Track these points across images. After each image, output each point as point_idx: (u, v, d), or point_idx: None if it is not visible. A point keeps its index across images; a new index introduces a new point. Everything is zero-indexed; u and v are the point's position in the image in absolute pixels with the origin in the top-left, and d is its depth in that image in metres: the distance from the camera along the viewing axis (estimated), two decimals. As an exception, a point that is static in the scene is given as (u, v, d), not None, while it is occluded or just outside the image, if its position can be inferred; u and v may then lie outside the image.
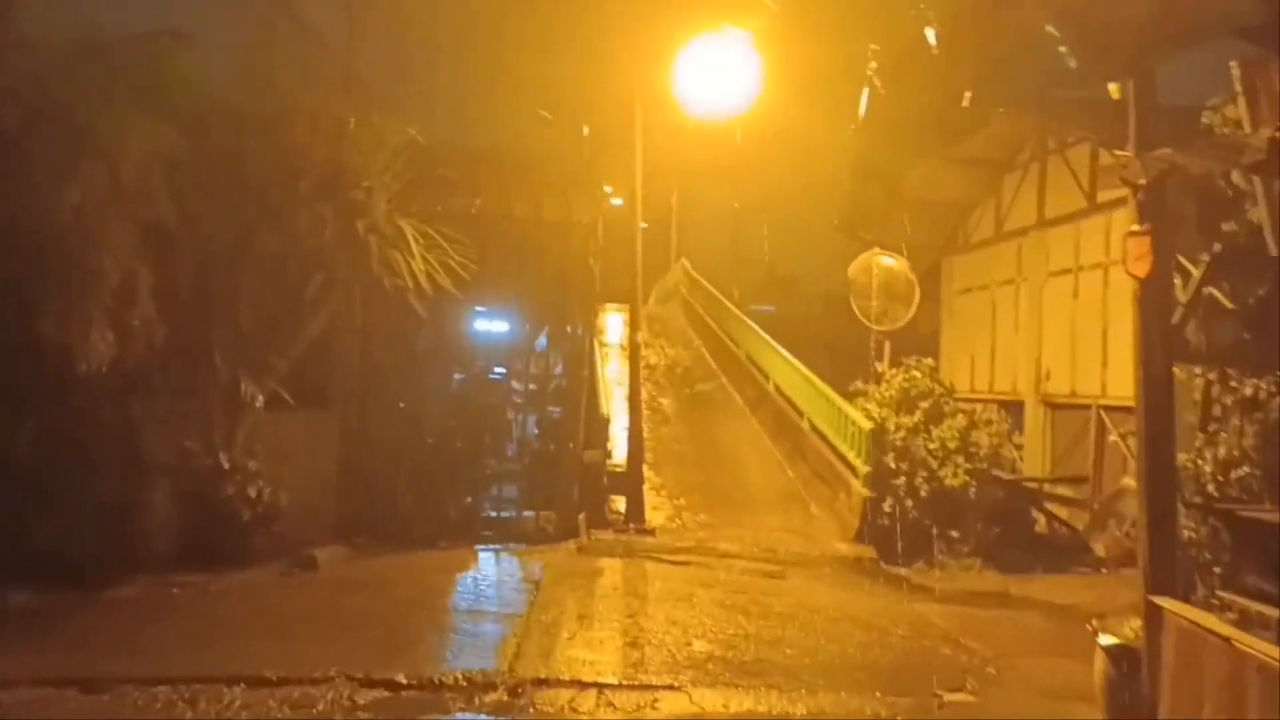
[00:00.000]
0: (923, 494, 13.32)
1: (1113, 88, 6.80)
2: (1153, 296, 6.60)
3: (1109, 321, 16.02)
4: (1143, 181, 6.31)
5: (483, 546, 12.32)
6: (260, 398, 11.16)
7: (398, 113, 12.08)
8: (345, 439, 12.60)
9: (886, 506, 13.26)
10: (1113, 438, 15.50)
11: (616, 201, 19.64)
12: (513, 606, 9.47)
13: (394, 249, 11.14)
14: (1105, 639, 6.80)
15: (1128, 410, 15.64)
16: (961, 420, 13.67)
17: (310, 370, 11.95)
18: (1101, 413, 16.08)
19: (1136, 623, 6.59)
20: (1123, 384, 15.57)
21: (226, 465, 10.98)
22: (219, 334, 10.70)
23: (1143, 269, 6.41)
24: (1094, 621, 7.11)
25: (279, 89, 10.95)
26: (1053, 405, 17.70)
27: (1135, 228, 6.51)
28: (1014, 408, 17.99)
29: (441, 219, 12.11)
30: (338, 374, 12.55)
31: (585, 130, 15.61)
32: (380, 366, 12.96)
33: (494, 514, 13.22)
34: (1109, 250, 16.12)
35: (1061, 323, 17.34)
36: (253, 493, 11.04)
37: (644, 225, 15.16)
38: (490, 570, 11.37)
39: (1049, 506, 15.51)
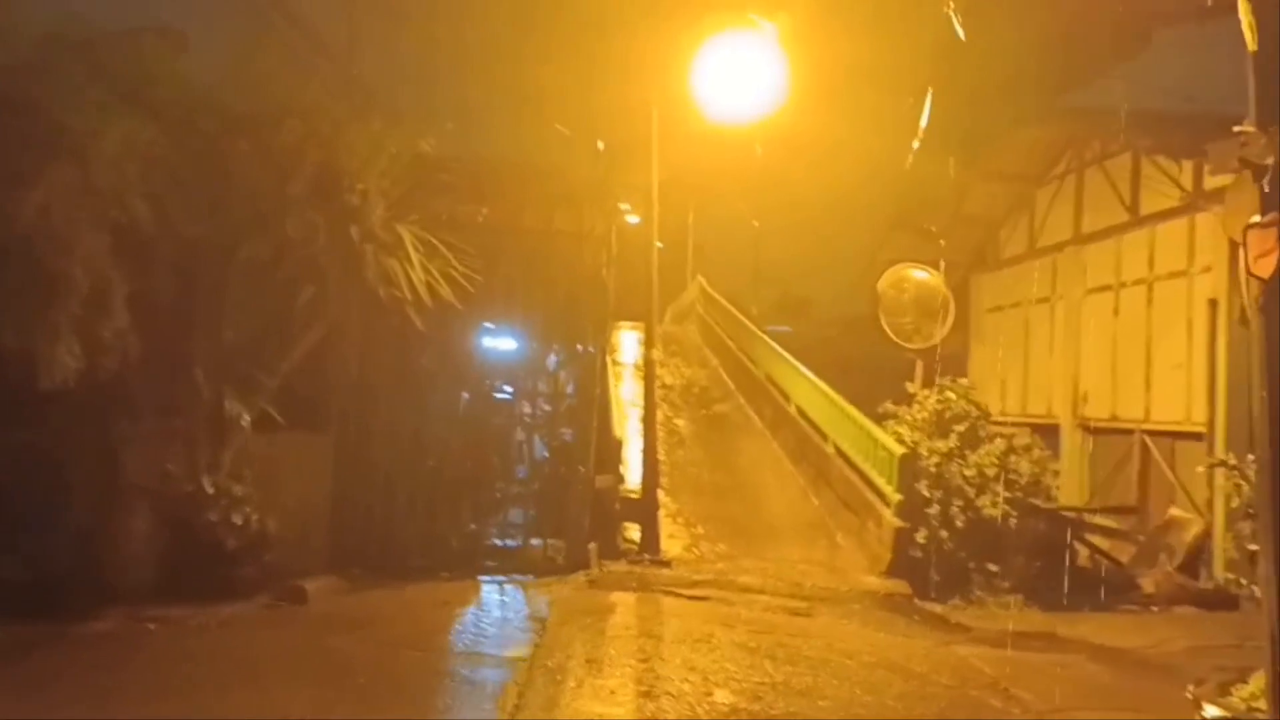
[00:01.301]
0: (959, 524, 12.45)
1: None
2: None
3: (1153, 341, 15.16)
4: (1270, 161, 5.36)
5: (486, 578, 11.48)
6: (247, 417, 10.35)
7: (404, 123, 11.35)
8: (340, 462, 11.77)
9: (920, 538, 12.38)
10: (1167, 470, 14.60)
11: (632, 220, 18.91)
12: (516, 648, 8.60)
13: (391, 258, 10.35)
14: (1211, 711, 5.84)
15: (1174, 436, 14.74)
16: (1000, 445, 12.78)
17: (302, 388, 11.14)
18: (1146, 439, 15.16)
19: (1247, 689, 5.66)
20: (1169, 407, 14.67)
21: (210, 490, 10.16)
22: (201, 348, 9.90)
23: (1267, 268, 5.46)
24: (1192, 688, 6.17)
25: (271, 88, 10.19)
26: (1091, 430, 16.80)
27: (1257, 219, 5.55)
28: (1048, 432, 17.08)
29: (445, 228, 11.32)
30: (332, 392, 11.73)
31: (600, 145, 14.90)
32: (379, 385, 12.15)
33: (499, 542, 12.37)
34: (1153, 265, 15.29)
35: (1101, 342, 16.47)
36: (238, 520, 10.21)
37: (659, 245, 14.31)
38: (493, 605, 10.50)
39: (1090, 538, 14.58)
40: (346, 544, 11.49)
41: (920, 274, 14.51)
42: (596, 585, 11.20)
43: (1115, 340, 16.11)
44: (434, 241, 10.94)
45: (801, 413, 17.54)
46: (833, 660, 8.75)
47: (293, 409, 11.12)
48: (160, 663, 8.15)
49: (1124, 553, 14.96)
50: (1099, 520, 15.20)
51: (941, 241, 15.83)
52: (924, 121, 10.94)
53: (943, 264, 15.58)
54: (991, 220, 20.19)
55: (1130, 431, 15.49)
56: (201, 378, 9.87)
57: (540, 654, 8.33)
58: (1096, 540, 14.89)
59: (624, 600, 10.66)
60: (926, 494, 12.51)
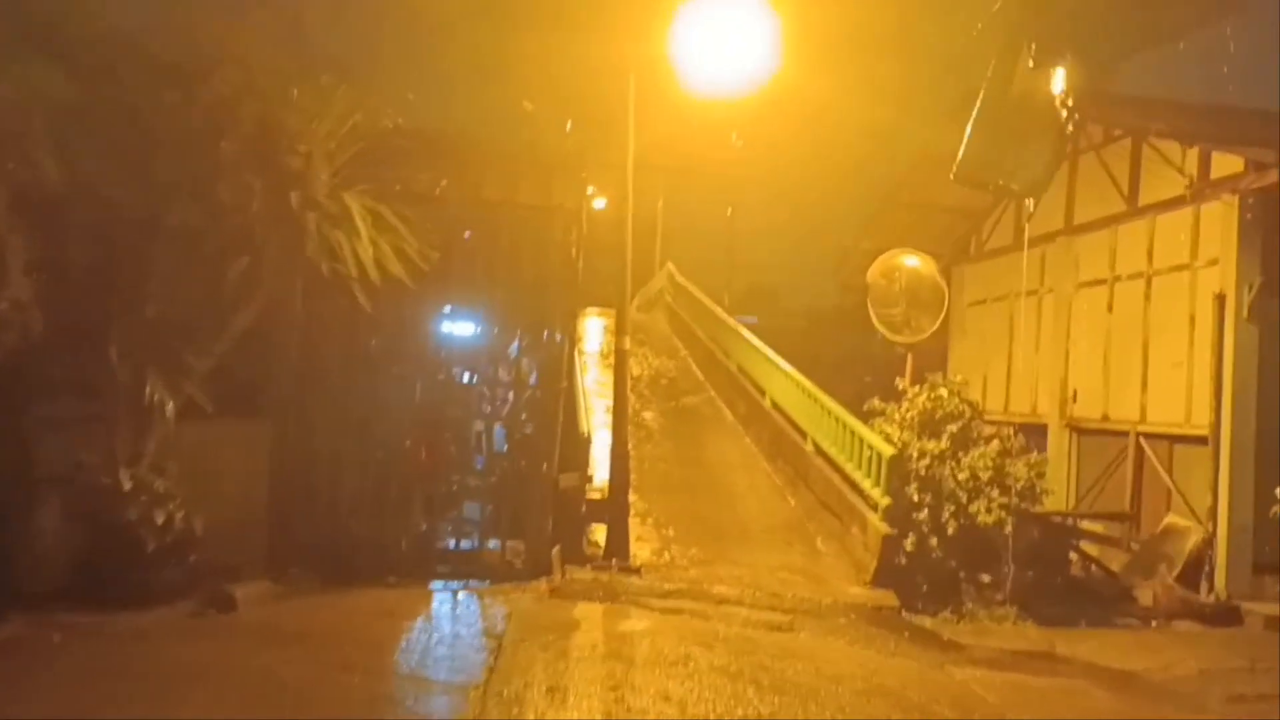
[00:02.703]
0: (950, 531, 11.60)
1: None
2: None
3: (1151, 338, 14.39)
4: None
5: (438, 584, 10.46)
6: (172, 403, 9.26)
7: (354, 80, 10.28)
8: (280, 453, 10.68)
9: (908, 544, 11.50)
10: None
11: (598, 204, 17.87)
12: (468, 672, 7.60)
13: (337, 229, 9.29)
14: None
15: (1173, 439, 13.99)
16: (995, 447, 11.94)
17: (238, 372, 10.06)
18: (1141, 440, 14.40)
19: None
20: (1167, 409, 13.90)
21: (128, 484, 9.10)
22: (119, 325, 8.79)
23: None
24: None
25: (204, 35, 9.08)
26: (1080, 430, 16.03)
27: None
28: (1033, 432, 16.29)
29: (399, 199, 10.29)
30: (271, 377, 10.63)
31: (569, 125, 13.89)
32: (325, 369, 11.06)
33: (453, 544, 11.35)
34: (1152, 258, 14.51)
35: (1093, 339, 15.69)
36: (160, 518, 9.15)
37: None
38: (444, 618, 9.49)
39: (1082, 546, 13.80)
40: (285, 544, 10.44)
41: (913, 261, 13.59)
42: (559, 594, 10.21)
43: (1109, 337, 15.33)
44: (385, 213, 9.90)
45: (777, 407, 16.64)
46: (822, 688, 7.84)
47: (226, 395, 10.05)
48: (60, 681, 7.13)
49: (1114, 560, 14.21)
50: (1088, 525, 14.42)
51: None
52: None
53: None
54: (975, 210, 19.36)
55: (1124, 433, 14.72)
56: (117, 358, 8.76)
57: (496, 680, 7.33)
58: (1085, 547, 14.11)
59: (590, 613, 9.69)
60: (916, 498, 11.64)
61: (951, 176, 9.55)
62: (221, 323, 9.48)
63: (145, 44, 8.85)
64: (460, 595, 10.15)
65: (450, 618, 9.48)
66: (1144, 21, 8.91)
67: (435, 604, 9.84)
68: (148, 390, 9.05)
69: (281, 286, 9.75)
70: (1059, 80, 8.89)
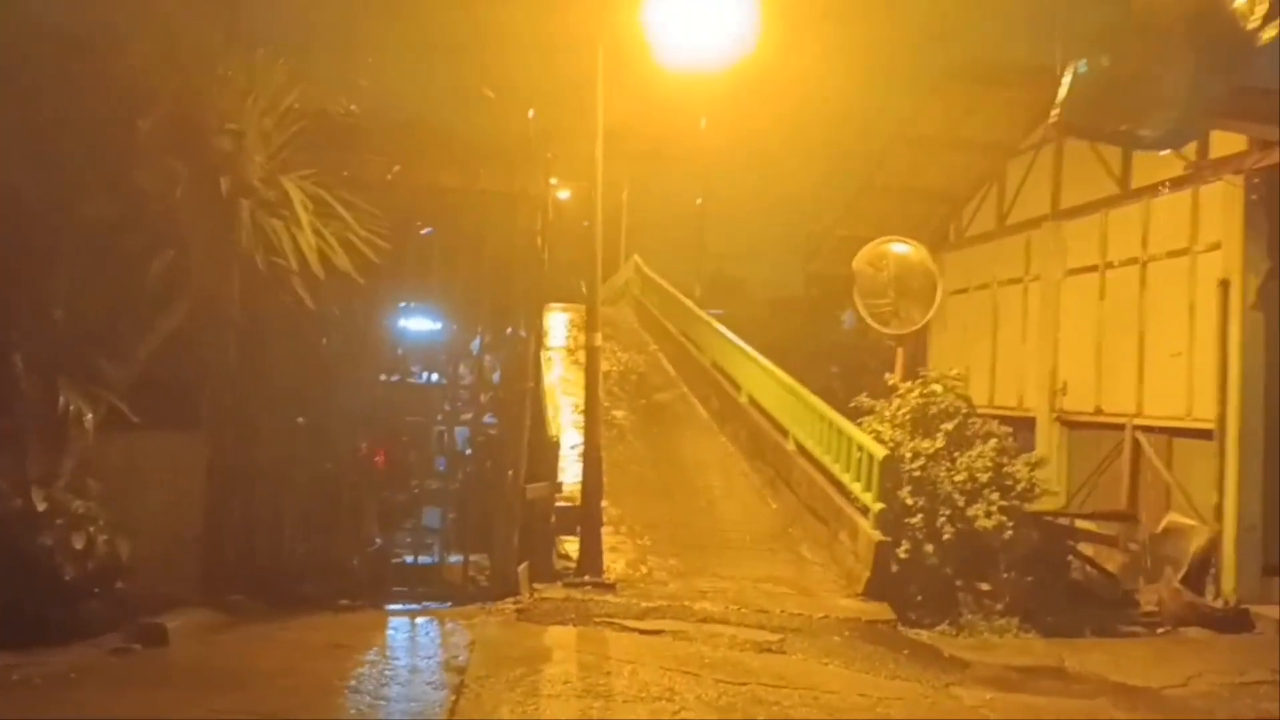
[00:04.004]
0: (945, 537, 10.81)
1: None
2: None
3: (1147, 327, 13.68)
4: None
5: (395, 607, 9.57)
6: (90, 415, 8.27)
7: (293, 54, 9.32)
8: (218, 467, 9.69)
9: (901, 552, 10.73)
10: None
11: (561, 195, 16.95)
12: (426, 718, 6.72)
13: (275, 218, 8.32)
14: None
15: (1172, 432, 13.30)
16: (994, 445, 11.17)
17: (168, 379, 9.09)
18: (1138, 435, 13.70)
19: None
20: (1166, 401, 13.19)
21: (42, 506, 8.12)
22: (23, 329, 7.79)
23: None
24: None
25: (119, 4, 8.09)
26: (1070, 424, 15.33)
27: None
28: (1020, 426, 15.50)
29: (346, 185, 9.35)
30: (208, 384, 9.65)
31: (531, 113, 12.97)
32: (268, 373, 10.09)
33: (410, 560, 10.40)
34: (1147, 243, 13.80)
35: (1083, 328, 14.97)
36: (79, 542, 8.18)
37: (587, 224, 12.36)
38: (400, 648, 8.58)
39: (1080, 547, 13.08)
40: (224, 567, 9.50)
41: (902, 248, 12.77)
42: (528, 617, 9.33)
43: (1101, 326, 14.62)
44: (330, 200, 8.95)
45: (754, 403, 15.84)
46: (824, 724, 7.03)
47: (155, 405, 9.08)
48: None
49: (1110, 560, 13.52)
50: (1083, 525, 13.71)
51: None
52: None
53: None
54: (956, 195, 18.63)
55: (1119, 426, 14.02)
56: (22, 366, 7.75)
57: (456, 728, 6.46)
58: (1082, 548, 13.40)
59: (562, 639, 8.80)
60: (910, 502, 10.86)
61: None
62: (145, 325, 8.50)
63: (48, 14, 7.84)
64: (419, 620, 9.25)
65: (407, 649, 8.57)
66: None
67: (390, 632, 8.93)
68: (61, 402, 8.05)
69: (215, 283, 8.79)
70: None
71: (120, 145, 7.73)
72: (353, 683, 7.43)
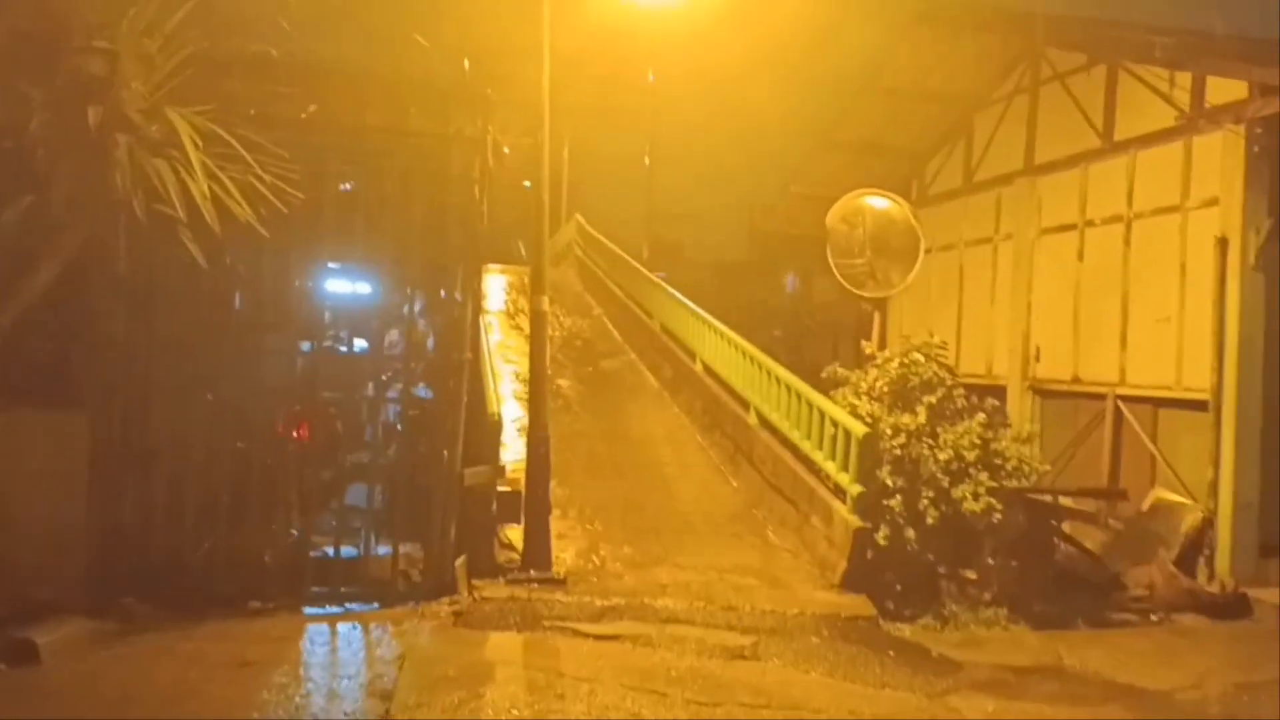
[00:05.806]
0: (928, 521, 9.85)
1: None
2: None
3: (1131, 289, 12.81)
4: None
5: (314, 610, 8.38)
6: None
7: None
8: (104, 451, 8.33)
9: (880, 538, 9.74)
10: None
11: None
12: (343, 763, 5.56)
13: (159, 157, 6.96)
14: None
15: (1158, 403, 12.46)
16: (980, 420, 10.20)
17: (39, 349, 7.76)
18: (1120, 404, 12.86)
19: None
20: (1152, 369, 12.31)
21: (-119, 503, 6.79)
22: None
23: None
24: None
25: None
26: (1045, 393, 14.48)
27: None
28: (990, 394, 14.57)
29: (251, 123, 7.97)
30: (90, 354, 8.28)
31: (466, 64, 11.66)
32: (165, 341, 8.75)
33: (332, 552, 9.12)
34: (1132, 199, 12.87)
35: (1060, 290, 14.08)
36: (-72, 546, 6.88)
37: (527, 184, 11.10)
38: (318, 664, 7.37)
39: (1063, 527, 12.21)
40: (112, 567, 8.23)
41: (881, 203, 11.65)
42: (466, 621, 8.16)
43: (1079, 288, 13.72)
44: (230, 140, 7.59)
45: (710, 371, 14.75)
46: (816, 755, 5.99)
47: (26, 380, 7.76)
48: None
49: (1089, 538, 12.69)
50: (1066, 502, 12.85)
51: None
52: None
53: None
54: (919, 150, 17.63)
55: (1099, 396, 13.17)
56: None
57: (380, 780, 5.30)
58: (1064, 527, 12.55)
59: (507, 649, 7.65)
60: (889, 482, 9.86)
61: None
62: (4, 286, 7.10)
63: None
64: (340, 627, 8.06)
65: (325, 665, 7.35)
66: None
67: (306, 644, 7.72)
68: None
69: (91, 236, 7.40)
70: None
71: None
72: (256, 714, 6.23)
